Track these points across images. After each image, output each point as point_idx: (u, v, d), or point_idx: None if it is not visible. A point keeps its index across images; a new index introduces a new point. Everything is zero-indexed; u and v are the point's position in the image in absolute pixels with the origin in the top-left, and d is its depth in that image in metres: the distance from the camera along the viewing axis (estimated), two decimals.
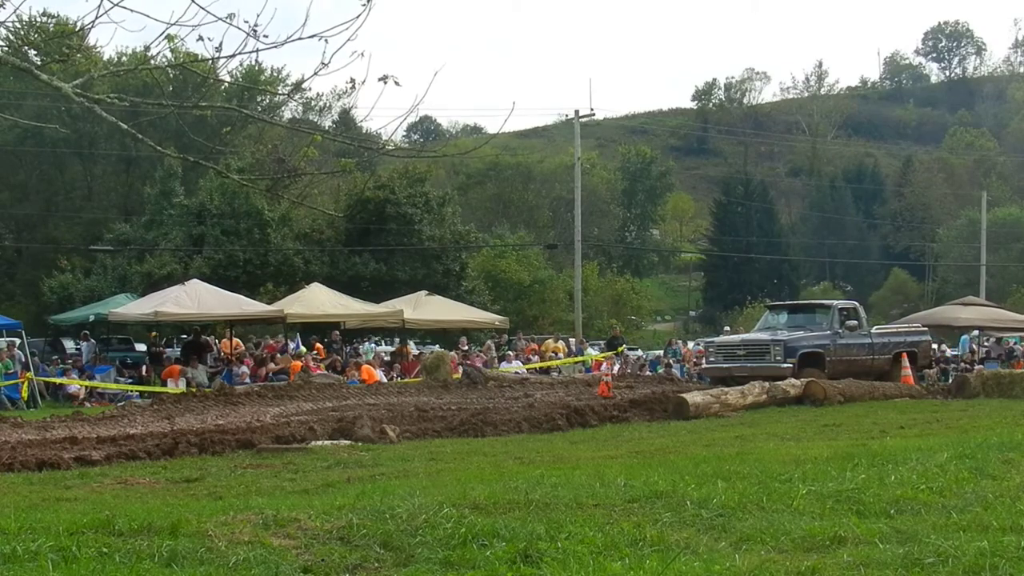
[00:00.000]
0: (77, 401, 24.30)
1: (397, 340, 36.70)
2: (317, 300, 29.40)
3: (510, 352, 33.16)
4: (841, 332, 21.80)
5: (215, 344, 30.03)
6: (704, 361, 23.65)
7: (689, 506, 6.95)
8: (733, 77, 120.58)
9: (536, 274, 54.28)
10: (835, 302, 24.91)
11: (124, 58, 51.14)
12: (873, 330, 23.51)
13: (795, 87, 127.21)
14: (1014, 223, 76.04)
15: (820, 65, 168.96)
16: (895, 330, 24.92)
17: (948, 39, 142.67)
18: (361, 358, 29.21)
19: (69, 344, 33.33)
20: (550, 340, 36.93)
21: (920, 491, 7.37)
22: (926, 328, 26.03)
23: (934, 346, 36.83)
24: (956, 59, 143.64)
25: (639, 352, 43.64)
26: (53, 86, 6.72)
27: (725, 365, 21.49)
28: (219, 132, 41.09)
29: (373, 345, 33.40)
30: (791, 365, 20.46)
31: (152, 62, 9.11)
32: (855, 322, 22.27)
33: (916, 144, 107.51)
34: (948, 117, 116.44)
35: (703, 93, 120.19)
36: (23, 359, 25.38)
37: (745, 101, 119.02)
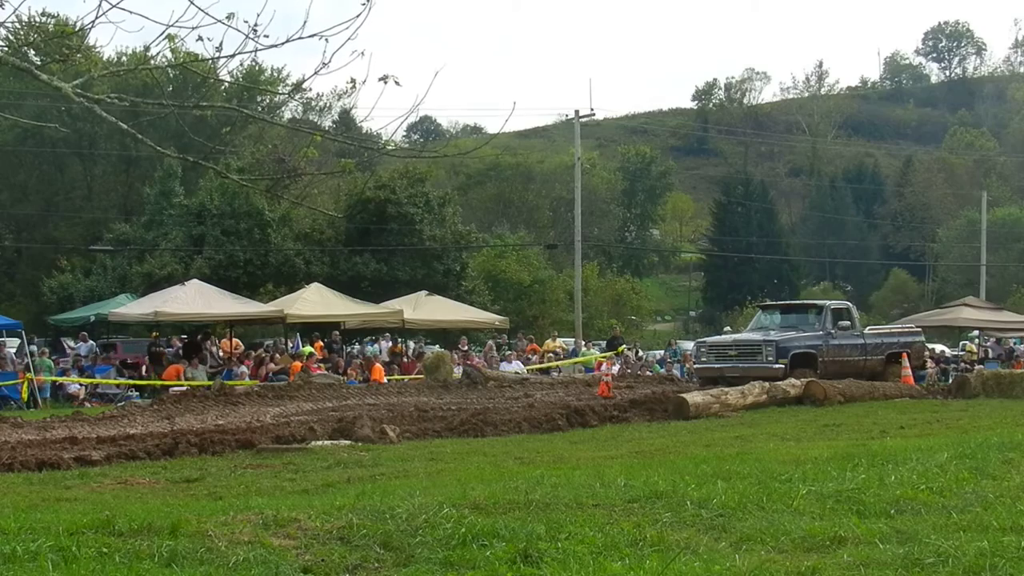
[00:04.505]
0: (77, 401, 24.29)
1: (411, 341, 36.75)
2: (317, 300, 29.40)
3: (510, 352, 33.15)
4: (833, 332, 21.74)
5: (215, 344, 29.97)
6: (695, 361, 23.60)
7: (689, 506, 6.95)
8: (733, 77, 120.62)
9: (536, 274, 54.27)
10: (827, 302, 24.80)
11: (124, 58, 51.16)
12: (866, 330, 23.45)
13: (795, 87, 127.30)
14: (1014, 223, 75.97)
15: (820, 65, 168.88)
16: (888, 331, 24.88)
17: (948, 39, 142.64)
18: (374, 357, 29.21)
19: (70, 344, 33.37)
20: (549, 340, 36.96)
21: (920, 491, 7.37)
22: (919, 329, 26.00)
23: (939, 348, 36.94)
24: (956, 59, 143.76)
25: (639, 352, 43.61)
26: (53, 86, 6.72)
27: (716, 365, 21.43)
28: (219, 132, 41.13)
29: (377, 346, 33.34)
30: (783, 366, 20.40)
31: (152, 62, 9.11)
32: (847, 322, 22.22)
33: (916, 144, 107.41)
34: (948, 117, 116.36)
35: (703, 93, 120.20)
36: (22, 358, 25.43)
37: (745, 101, 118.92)
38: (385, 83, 6.43)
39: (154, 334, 31.51)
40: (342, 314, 29.84)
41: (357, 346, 35.46)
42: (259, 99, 54.02)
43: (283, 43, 6.49)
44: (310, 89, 75.78)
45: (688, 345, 36.00)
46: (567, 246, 52.02)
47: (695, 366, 23.70)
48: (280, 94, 54.34)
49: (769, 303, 30.13)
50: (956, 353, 37.35)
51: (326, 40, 6.30)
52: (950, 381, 24.66)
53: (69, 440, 13.27)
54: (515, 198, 79.19)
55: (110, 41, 45.00)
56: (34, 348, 27.65)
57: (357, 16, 6.29)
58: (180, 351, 28.26)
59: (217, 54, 6.65)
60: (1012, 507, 6.81)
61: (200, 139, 10.94)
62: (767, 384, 18.66)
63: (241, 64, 43.69)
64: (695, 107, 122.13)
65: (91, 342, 30.58)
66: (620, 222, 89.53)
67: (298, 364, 25.79)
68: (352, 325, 31.54)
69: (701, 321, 77.65)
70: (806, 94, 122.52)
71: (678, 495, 7.25)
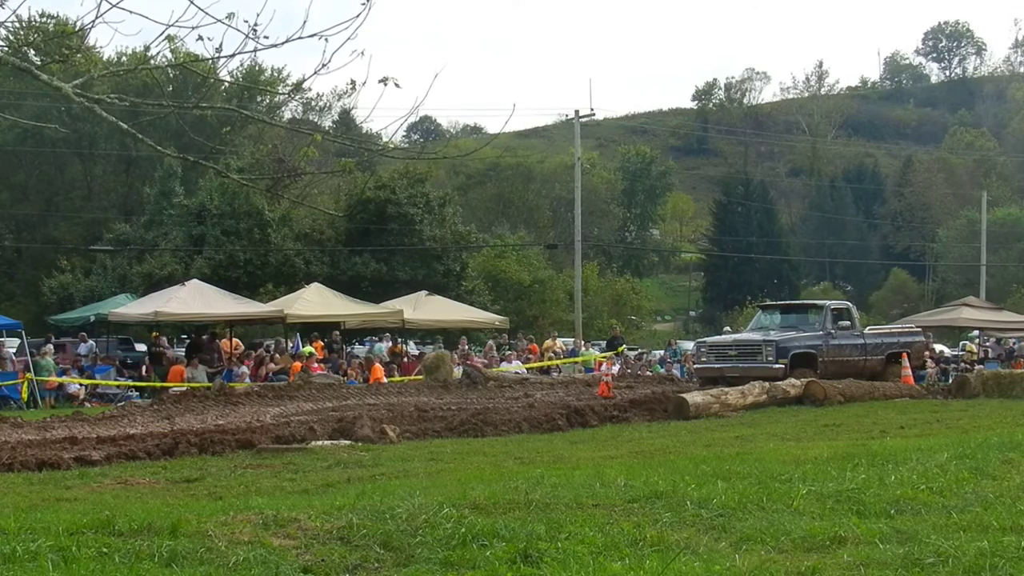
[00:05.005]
0: (77, 401, 24.29)
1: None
2: (317, 300, 29.39)
3: (510, 352, 33.13)
4: (833, 332, 21.72)
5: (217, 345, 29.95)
6: (695, 361, 23.61)
7: (689, 506, 6.95)
8: (733, 77, 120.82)
9: (536, 274, 54.27)
10: (828, 302, 24.78)
11: (124, 58, 51.23)
12: (866, 330, 23.44)
13: (795, 87, 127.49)
14: (1014, 223, 75.99)
15: (820, 65, 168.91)
16: (888, 330, 24.87)
17: (948, 39, 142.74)
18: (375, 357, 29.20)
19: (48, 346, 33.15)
20: (548, 340, 36.96)
21: (920, 491, 7.37)
22: (919, 329, 25.99)
23: (939, 348, 36.93)
24: (956, 59, 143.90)
25: (639, 350, 43.62)
26: (53, 86, 6.72)
27: (717, 365, 21.42)
28: (219, 132, 41.10)
29: (382, 345, 33.31)
30: (783, 366, 20.39)
31: (152, 62, 9.11)
32: (847, 322, 22.21)
33: (916, 144, 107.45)
34: (948, 117, 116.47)
35: (703, 93, 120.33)
36: (22, 358, 25.44)
37: (745, 101, 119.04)
38: (385, 85, 6.43)
39: (155, 334, 31.49)
40: (342, 314, 29.82)
41: (358, 346, 35.43)
42: (259, 99, 54.06)
43: (283, 43, 6.49)
44: (310, 89, 75.87)
45: (688, 345, 36.02)
46: (567, 246, 52.03)
47: (695, 366, 23.69)
48: (280, 94, 54.41)
49: (769, 303, 30.12)
50: (956, 353, 37.32)
51: (326, 40, 6.31)
52: (950, 381, 24.65)
53: (69, 440, 13.26)
54: (515, 198, 79.19)
55: (110, 41, 45.09)
56: (50, 347, 27.72)
57: (357, 16, 6.30)
58: (184, 352, 28.26)
59: (217, 54, 6.65)
60: (1012, 507, 6.81)
61: (200, 139, 10.92)
62: (767, 384, 18.66)
63: (241, 64, 43.83)
64: (695, 107, 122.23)
65: (91, 342, 30.57)
66: (620, 222, 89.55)
67: (298, 364, 25.78)
68: (352, 325, 31.53)
69: (701, 321, 77.66)
70: (806, 94, 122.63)
71: (678, 495, 7.25)
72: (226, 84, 41.47)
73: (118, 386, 25.70)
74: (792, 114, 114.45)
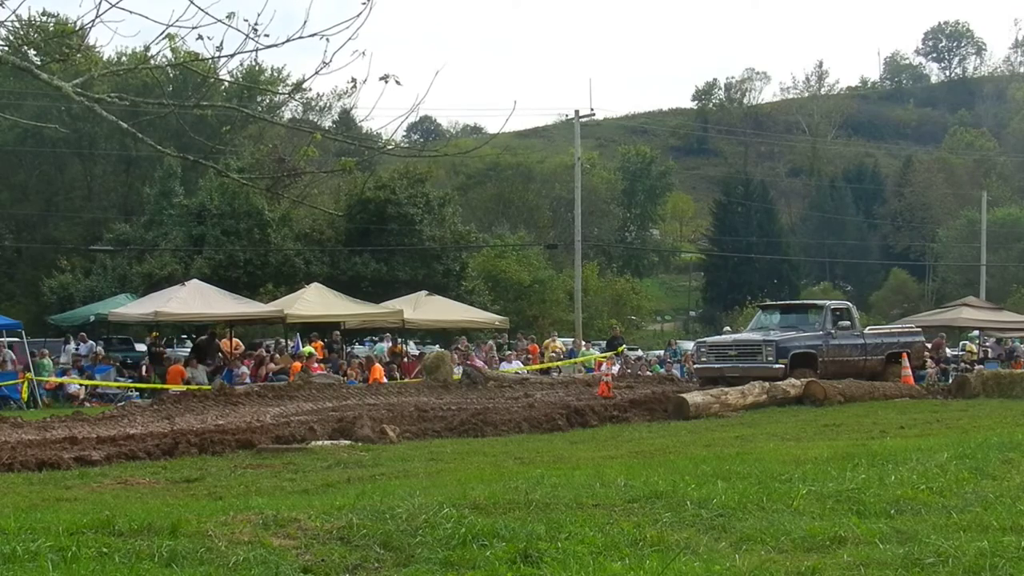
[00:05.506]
0: (77, 401, 24.29)
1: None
2: (317, 300, 29.39)
3: (510, 352, 33.12)
4: (833, 332, 21.72)
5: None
6: (695, 361, 23.61)
7: (689, 506, 6.95)
8: (733, 77, 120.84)
9: (536, 274, 54.24)
10: (828, 302, 24.77)
11: (124, 58, 51.17)
12: (866, 330, 23.44)
13: (795, 87, 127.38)
14: (1014, 223, 75.93)
15: (820, 65, 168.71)
16: (888, 330, 24.86)
17: (948, 39, 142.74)
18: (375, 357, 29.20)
19: (70, 344, 33.26)
20: (548, 340, 36.95)
21: (920, 491, 7.37)
22: (919, 329, 25.98)
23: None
24: (956, 59, 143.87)
25: (639, 352, 43.63)
26: (53, 86, 6.72)
27: (717, 365, 21.42)
28: (219, 132, 41.08)
29: (383, 345, 33.31)
30: (783, 366, 20.39)
31: (152, 62, 9.10)
32: (847, 322, 22.21)
33: (916, 144, 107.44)
34: (948, 117, 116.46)
35: (703, 93, 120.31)
36: (19, 358, 25.44)
37: (745, 101, 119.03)
38: (386, 82, 6.42)
39: (154, 334, 31.49)
40: (342, 314, 29.83)
41: (359, 346, 35.38)
42: (259, 99, 54.00)
43: (283, 43, 6.49)
44: (310, 89, 75.65)
45: (688, 345, 36.01)
46: (567, 246, 52.00)
47: (695, 366, 23.69)
48: (280, 94, 54.35)
49: (769, 303, 30.10)
50: (956, 353, 37.29)
51: (327, 40, 6.30)
52: (950, 381, 24.65)
53: (69, 440, 13.27)
54: (515, 198, 79.13)
55: (110, 41, 45.10)
56: (72, 347, 27.69)
57: (357, 15, 6.29)
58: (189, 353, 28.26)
59: (217, 53, 6.65)
60: (1012, 507, 6.80)
61: (200, 139, 10.91)
62: (767, 384, 18.66)
63: (241, 64, 43.71)
64: (695, 107, 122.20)
65: (91, 342, 30.55)
66: (620, 222, 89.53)
67: (298, 364, 25.78)
68: (352, 325, 31.53)
69: (701, 321, 77.63)
70: (806, 94, 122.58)
71: (678, 495, 7.25)
72: (226, 84, 41.41)
73: (118, 387, 25.70)
74: (792, 114, 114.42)
